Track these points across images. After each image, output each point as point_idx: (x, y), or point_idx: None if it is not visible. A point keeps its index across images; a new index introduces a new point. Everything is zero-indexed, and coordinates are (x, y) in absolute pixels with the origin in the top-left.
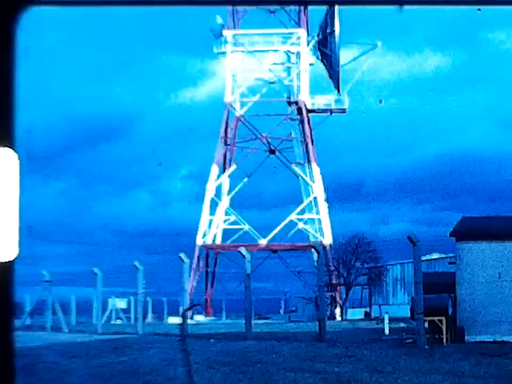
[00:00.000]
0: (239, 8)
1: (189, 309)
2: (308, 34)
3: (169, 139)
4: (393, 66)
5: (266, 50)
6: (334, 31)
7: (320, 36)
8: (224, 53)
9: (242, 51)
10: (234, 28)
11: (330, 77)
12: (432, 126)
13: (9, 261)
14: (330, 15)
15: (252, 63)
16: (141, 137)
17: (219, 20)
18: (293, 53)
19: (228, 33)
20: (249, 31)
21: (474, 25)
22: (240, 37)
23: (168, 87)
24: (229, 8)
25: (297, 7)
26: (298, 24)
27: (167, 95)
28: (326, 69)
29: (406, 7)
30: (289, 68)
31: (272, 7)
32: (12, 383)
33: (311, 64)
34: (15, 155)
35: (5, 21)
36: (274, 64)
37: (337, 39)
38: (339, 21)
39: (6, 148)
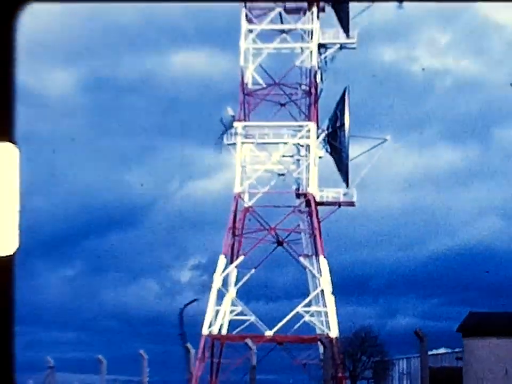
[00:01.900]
0: (251, 100)
1: (189, 303)
2: (318, 127)
3: (181, 229)
4: (404, 160)
5: (276, 143)
6: (344, 124)
7: (330, 129)
8: (234, 144)
9: (252, 143)
10: (245, 119)
11: (339, 170)
12: (442, 221)
13: (10, 255)
14: (340, 109)
15: (261, 155)
16: (153, 226)
17: (230, 112)
18: (303, 146)
19: (238, 125)
20: (259, 123)
21: (487, 121)
22: (250, 129)
23: (181, 176)
24: (240, 99)
25: (307, 101)
26: (308, 117)
27: (180, 185)
28: (335, 162)
29: (406, 3)
30: (298, 160)
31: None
32: (12, 370)
33: (320, 157)
34: (16, 149)
35: (5, 20)
36: (283, 156)
37: (347, 132)
38: (349, 114)
39: (7, 142)
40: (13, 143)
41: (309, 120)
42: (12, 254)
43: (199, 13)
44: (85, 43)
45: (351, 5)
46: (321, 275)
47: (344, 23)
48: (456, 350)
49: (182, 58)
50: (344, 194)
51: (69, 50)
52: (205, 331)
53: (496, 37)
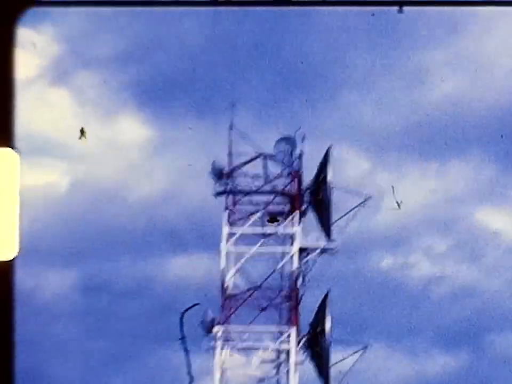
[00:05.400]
0: (231, 304)
1: (189, 308)
2: (298, 333)
3: None
4: (395, 367)
5: (256, 348)
6: (324, 329)
7: (311, 334)
8: (214, 348)
9: (231, 347)
10: (225, 323)
11: (320, 375)
12: None
13: (9, 260)
14: (321, 315)
15: (241, 360)
16: None
17: (210, 315)
18: (283, 351)
19: (218, 329)
20: (239, 328)
21: (480, 328)
22: (231, 333)
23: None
24: (220, 303)
25: (288, 305)
26: (288, 323)
27: None
28: (316, 367)
29: (406, 8)
30: (278, 365)
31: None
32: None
33: (300, 363)
34: (16, 155)
35: (5, 27)
36: (263, 361)
37: (327, 338)
38: (331, 319)
39: (7, 148)
40: (12, 149)
41: (290, 325)
42: (11, 259)
43: (198, 218)
44: (83, 244)
45: (334, 209)
46: None
47: (326, 227)
48: None
49: (178, 262)
50: None
51: (66, 251)
52: None
53: (492, 244)
